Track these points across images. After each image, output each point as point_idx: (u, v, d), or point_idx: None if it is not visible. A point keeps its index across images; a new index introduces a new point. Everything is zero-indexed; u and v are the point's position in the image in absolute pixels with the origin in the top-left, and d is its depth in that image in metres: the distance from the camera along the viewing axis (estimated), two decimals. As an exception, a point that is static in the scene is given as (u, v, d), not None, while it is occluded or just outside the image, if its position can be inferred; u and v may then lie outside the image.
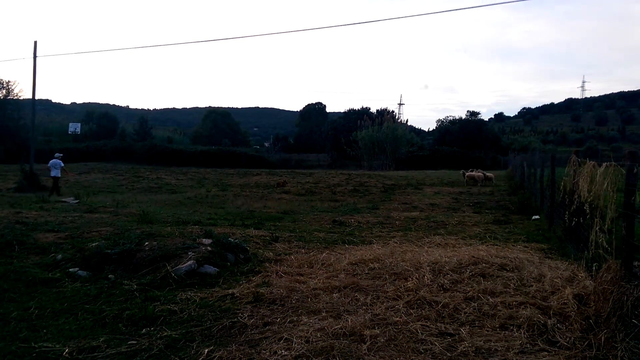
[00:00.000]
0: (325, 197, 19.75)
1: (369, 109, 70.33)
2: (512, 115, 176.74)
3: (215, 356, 4.12)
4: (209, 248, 7.31)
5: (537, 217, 12.67)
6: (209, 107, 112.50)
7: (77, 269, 6.74)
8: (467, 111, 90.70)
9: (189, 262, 6.68)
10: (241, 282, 6.36)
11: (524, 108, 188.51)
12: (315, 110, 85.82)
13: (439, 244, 8.83)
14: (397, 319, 4.87)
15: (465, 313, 5.00)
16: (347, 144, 61.08)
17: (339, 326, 4.61)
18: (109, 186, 24.21)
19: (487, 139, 66.43)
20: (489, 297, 5.40)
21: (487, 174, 28.06)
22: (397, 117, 67.87)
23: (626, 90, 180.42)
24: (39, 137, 53.90)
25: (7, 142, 48.42)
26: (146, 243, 7.42)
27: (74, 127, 60.66)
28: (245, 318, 5.01)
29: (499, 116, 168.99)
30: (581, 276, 5.95)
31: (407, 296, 5.54)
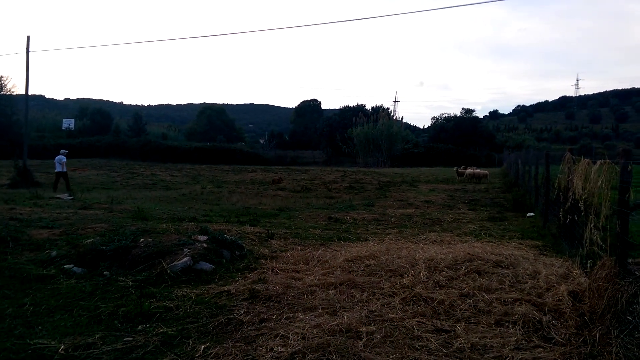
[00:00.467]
0: (320, 194, 19.75)
1: (364, 106, 70.31)
2: (506, 113, 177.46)
3: (211, 353, 4.12)
4: (204, 245, 7.29)
5: (531, 214, 12.72)
6: (204, 103, 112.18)
7: (72, 265, 6.72)
8: (462, 108, 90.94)
9: (185, 259, 6.66)
10: (237, 279, 6.35)
11: (518, 106, 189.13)
12: (310, 107, 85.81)
13: (434, 240, 8.86)
14: (393, 315, 4.89)
15: (460, 309, 5.02)
16: (342, 141, 61.07)
17: (335, 323, 4.61)
18: (104, 182, 24.11)
19: (482, 137, 66.59)
20: (484, 293, 5.43)
21: (480, 171, 28.11)
22: (392, 114, 68.04)
23: (620, 88, 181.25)
24: (33, 133, 53.55)
25: (0, 138, 48.05)
26: (141, 240, 7.40)
27: (68, 123, 60.29)
28: (241, 315, 5.01)
29: (494, 114, 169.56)
30: (576, 273, 5.98)
31: (403, 293, 5.56)
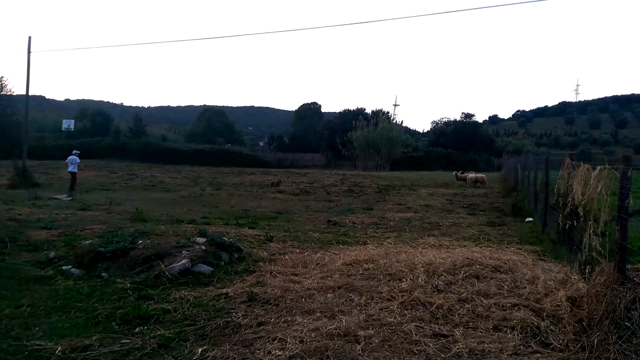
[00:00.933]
0: (319, 197, 19.75)
1: (364, 109, 70.34)
2: (506, 118, 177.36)
3: (209, 356, 4.11)
4: (203, 247, 7.29)
5: (530, 219, 12.72)
6: (204, 105, 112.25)
7: (70, 266, 6.71)
8: (462, 113, 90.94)
9: (183, 261, 6.66)
10: (235, 282, 6.35)
11: (518, 110, 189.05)
12: (310, 110, 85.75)
13: (433, 245, 8.85)
14: (392, 319, 4.88)
15: (459, 314, 5.02)
16: (342, 145, 61.11)
17: (333, 326, 4.61)
18: (103, 184, 24.06)
19: (482, 141, 66.61)
20: (482, 298, 5.42)
21: (477, 175, 28.14)
22: (392, 118, 68.03)
23: (620, 94, 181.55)
24: (32, 134, 53.42)
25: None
26: (140, 241, 7.39)
27: (68, 124, 60.21)
28: (239, 318, 5.01)
29: (494, 118, 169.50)
30: (574, 279, 5.97)
31: (402, 297, 5.55)
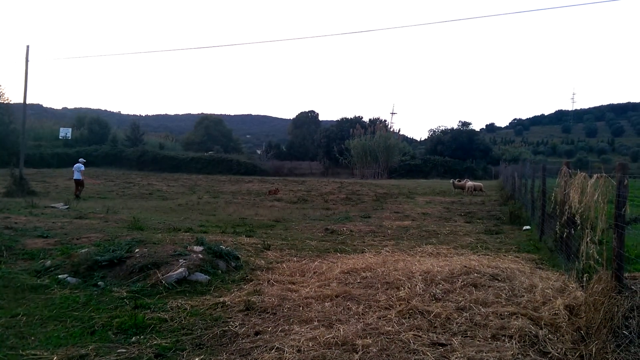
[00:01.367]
0: (317, 205, 19.73)
1: (362, 117, 70.42)
2: (503, 126, 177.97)
3: (205, 365, 4.08)
4: (200, 255, 7.26)
5: (528, 227, 12.74)
6: (202, 113, 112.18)
7: (66, 275, 6.68)
8: (459, 121, 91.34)
9: (180, 270, 6.63)
10: (232, 290, 6.32)
11: (515, 119, 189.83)
12: (308, 119, 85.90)
13: (430, 253, 8.85)
14: (389, 328, 4.86)
15: (457, 323, 5.00)
16: (339, 153, 61.15)
17: (330, 335, 4.59)
18: (99, 192, 24.00)
19: (479, 149, 66.74)
20: (480, 307, 5.41)
21: (476, 183, 28.24)
22: (389, 126, 68.00)
23: (616, 102, 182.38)
24: (29, 142, 53.40)
25: (-4, 146, 47.87)
26: (136, 250, 7.37)
27: (65, 132, 60.11)
28: (236, 327, 4.98)
29: (491, 127, 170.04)
30: (572, 287, 5.97)
31: (399, 305, 5.53)
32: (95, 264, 6.87)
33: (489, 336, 4.67)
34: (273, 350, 4.32)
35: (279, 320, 5.20)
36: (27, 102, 24.94)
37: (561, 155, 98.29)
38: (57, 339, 4.61)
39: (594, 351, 4.21)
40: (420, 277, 6.52)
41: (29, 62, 23.55)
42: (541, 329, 4.79)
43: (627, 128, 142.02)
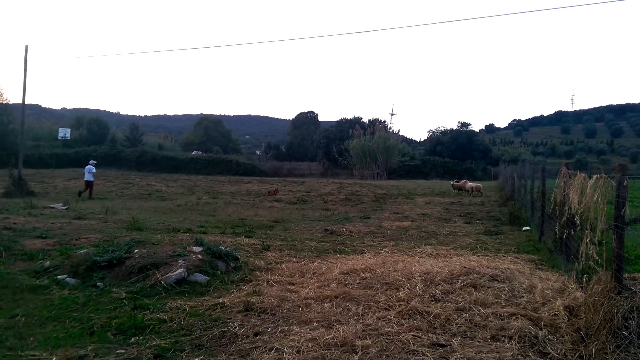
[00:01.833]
0: (316, 206, 19.72)
1: (361, 118, 70.44)
2: (502, 127, 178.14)
3: (205, 366, 4.07)
4: (199, 256, 7.26)
5: (527, 228, 12.74)
6: (201, 114, 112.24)
7: (65, 276, 6.66)
8: (459, 122, 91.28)
9: (179, 270, 6.62)
10: (232, 291, 6.31)
11: (514, 120, 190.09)
12: (307, 119, 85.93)
13: (430, 254, 8.84)
14: (389, 329, 4.86)
15: (456, 324, 5.00)
16: (339, 153, 61.17)
17: (330, 336, 4.58)
18: (98, 192, 23.96)
19: (478, 150, 66.75)
20: (480, 307, 5.41)
21: (474, 184, 28.26)
22: (388, 127, 68.01)
23: (615, 103, 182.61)
24: (28, 142, 53.30)
25: (-5, 146, 47.85)
26: (136, 250, 7.36)
27: (64, 133, 60.08)
28: (235, 327, 4.97)
29: (490, 127, 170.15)
30: (572, 287, 5.97)
31: (399, 306, 5.53)
32: (95, 265, 6.86)
33: (489, 337, 4.66)
34: (272, 351, 4.31)
35: (279, 321, 5.19)
36: (26, 102, 24.94)
37: (560, 156, 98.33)
38: (56, 340, 4.60)
39: (593, 352, 4.20)
40: (419, 278, 6.51)
41: (27, 62, 23.54)
42: (541, 329, 4.78)
43: (627, 129, 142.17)
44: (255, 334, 4.80)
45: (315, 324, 5.05)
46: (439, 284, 6.28)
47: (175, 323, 5.10)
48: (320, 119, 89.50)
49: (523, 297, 5.76)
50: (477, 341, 4.57)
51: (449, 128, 77.31)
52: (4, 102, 52.43)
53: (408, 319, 5.19)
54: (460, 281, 6.35)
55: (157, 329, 4.92)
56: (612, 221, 4.80)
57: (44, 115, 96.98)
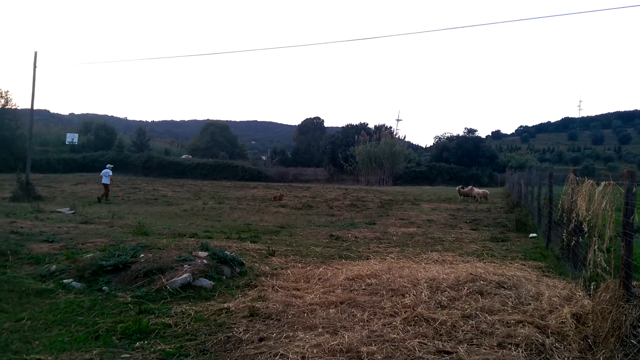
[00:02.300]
0: (322, 212, 19.70)
1: (367, 124, 70.51)
2: (509, 133, 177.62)
3: (209, 371, 4.06)
4: (204, 261, 7.26)
5: (534, 235, 12.65)
6: (208, 119, 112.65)
7: (71, 280, 6.68)
8: (465, 128, 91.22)
9: (185, 275, 6.62)
10: (237, 296, 6.30)
11: (521, 126, 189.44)
12: (313, 125, 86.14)
13: (436, 260, 8.80)
14: (394, 335, 4.82)
15: (462, 331, 4.96)
16: (344, 159, 61.18)
17: (335, 342, 4.55)
18: (109, 198, 24.07)
19: (485, 156, 66.56)
20: (486, 314, 5.36)
21: (481, 190, 28.18)
22: (394, 133, 67.99)
23: (622, 110, 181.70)
24: (36, 147, 53.73)
25: (3, 151, 48.26)
26: (141, 255, 7.37)
27: (71, 138, 60.53)
28: (240, 333, 4.96)
29: (496, 133, 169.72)
30: (579, 295, 5.91)
31: (405, 313, 5.49)
32: (100, 269, 6.87)
33: (495, 344, 4.62)
34: (277, 357, 4.29)
35: (283, 326, 5.17)
36: (35, 108, 25.13)
37: (567, 162, 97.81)
38: (61, 344, 4.60)
39: (601, 360, 4.15)
40: (425, 284, 6.48)
41: (36, 68, 23.74)
42: (548, 337, 4.73)
43: (634, 135, 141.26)
44: (260, 340, 4.79)
45: (320, 329, 5.02)
46: (445, 291, 6.24)
47: (180, 328, 5.09)
48: (326, 124, 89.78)
49: (530, 304, 5.70)
50: (484, 348, 4.53)
51: (455, 134, 77.34)
52: (12, 108, 52.91)
53: (414, 325, 5.15)
54: (466, 288, 6.31)
55: (162, 334, 4.92)
56: (620, 228, 4.76)
57: (52, 120, 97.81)
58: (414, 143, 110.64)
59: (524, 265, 8.41)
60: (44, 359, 4.20)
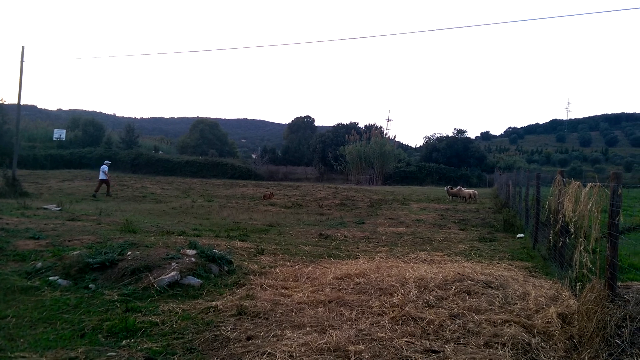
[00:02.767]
0: (311, 211, 19.70)
1: (357, 123, 70.56)
2: (498, 134, 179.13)
3: (196, 370, 4.04)
4: (192, 259, 7.22)
5: (521, 235, 12.76)
6: (197, 117, 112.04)
7: (57, 277, 6.61)
8: (454, 129, 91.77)
9: (172, 273, 6.58)
10: (225, 295, 6.28)
11: (509, 127, 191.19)
12: (303, 124, 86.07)
13: (424, 260, 8.83)
14: (382, 334, 4.84)
15: (450, 330, 4.98)
16: (334, 158, 61.22)
17: (323, 341, 4.55)
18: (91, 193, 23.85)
19: (474, 157, 66.96)
20: (473, 314, 5.40)
21: (469, 190, 28.38)
22: (385, 133, 68.12)
23: (610, 112, 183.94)
24: (23, 143, 53.16)
25: (-11, 146, 47.61)
26: (129, 252, 7.31)
27: (59, 134, 59.84)
28: (228, 331, 4.94)
29: (485, 135, 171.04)
30: (565, 295, 5.97)
31: (393, 312, 5.51)
32: (87, 267, 6.80)
33: (482, 344, 4.65)
34: (265, 356, 4.28)
35: (271, 325, 5.16)
36: (22, 103, 24.83)
37: (555, 164, 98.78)
38: (47, 342, 4.55)
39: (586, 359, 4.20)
40: (413, 284, 6.50)
41: (24, 63, 23.45)
42: (534, 337, 4.78)
43: (621, 138, 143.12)
44: (248, 338, 4.77)
45: (308, 328, 5.02)
46: (432, 290, 6.27)
47: (167, 326, 5.06)
48: (316, 123, 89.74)
49: (517, 304, 5.75)
50: (470, 348, 4.56)
51: (444, 135, 77.65)
52: (-1, 103, 52.23)
53: (401, 324, 5.17)
54: (454, 287, 6.34)
55: (148, 332, 4.88)
56: (606, 229, 4.81)
57: (39, 116, 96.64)
58: (404, 143, 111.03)
59: (511, 265, 8.48)
60: (29, 357, 4.15)
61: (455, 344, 4.66)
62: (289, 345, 4.47)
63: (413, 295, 6.06)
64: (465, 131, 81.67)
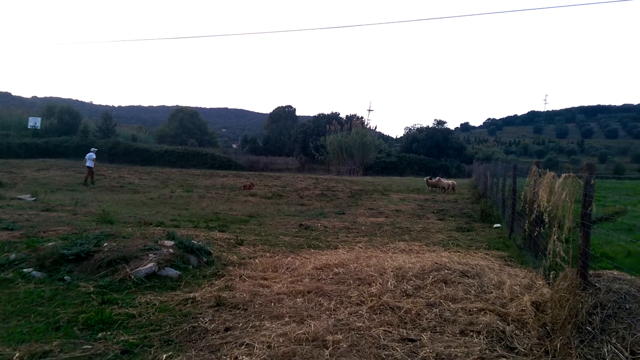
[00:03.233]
0: (292, 201, 19.69)
1: (339, 114, 70.52)
2: (477, 126, 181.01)
3: (173, 361, 4.02)
4: (170, 250, 7.16)
5: (498, 225, 12.96)
6: (177, 105, 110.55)
7: (31, 269, 6.48)
8: (434, 120, 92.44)
9: (150, 264, 6.52)
10: (203, 286, 6.25)
11: (488, 119, 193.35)
12: (285, 113, 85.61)
13: (403, 249, 8.91)
14: (360, 324, 4.88)
15: (427, 319, 5.05)
16: (315, 149, 61.16)
17: (301, 331, 4.58)
18: (69, 184, 23.43)
19: (453, 148, 67.58)
20: (450, 303, 5.48)
21: (449, 181, 28.69)
22: (366, 123, 68.31)
23: (586, 105, 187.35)
24: (-4, 131, 51.82)
25: (-39, 135, 46.32)
26: (105, 244, 7.21)
27: (34, 122, 58.33)
28: (206, 323, 4.92)
29: (465, 126, 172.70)
30: (539, 284, 6.10)
31: (371, 301, 5.56)
32: (62, 258, 6.69)
33: (458, 332, 4.73)
34: (243, 346, 4.29)
35: (250, 316, 5.16)
36: (-6, 90, 24.17)
37: (532, 155, 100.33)
38: (20, 335, 4.47)
39: (558, 346, 4.30)
40: (392, 274, 6.56)
41: (-4, 49, 22.78)
42: (508, 324, 4.87)
43: (596, 130, 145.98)
44: (226, 329, 4.76)
45: (287, 319, 5.04)
46: (410, 280, 6.34)
47: (144, 318, 5.02)
48: (297, 113, 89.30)
49: (492, 292, 5.85)
50: (447, 336, 4.63)
51: (425, 125, 78.17)
52: (-30, 90, 50.73)
53: (379, 314, 5.22)
54: (431, 277, 6.42)
55: (125, 324, 4.84)
56: (579, 219, 4.91)
57: (13, 103, 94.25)
58: (384, 134, 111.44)
59: (488, 254, 8.61)
60: (2, 351, 4.07)
61: (431, 332, 4.73)
62: (267, 336, 4.48)
63: (391, 285, 6.12)
64: (445, 122, 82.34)
